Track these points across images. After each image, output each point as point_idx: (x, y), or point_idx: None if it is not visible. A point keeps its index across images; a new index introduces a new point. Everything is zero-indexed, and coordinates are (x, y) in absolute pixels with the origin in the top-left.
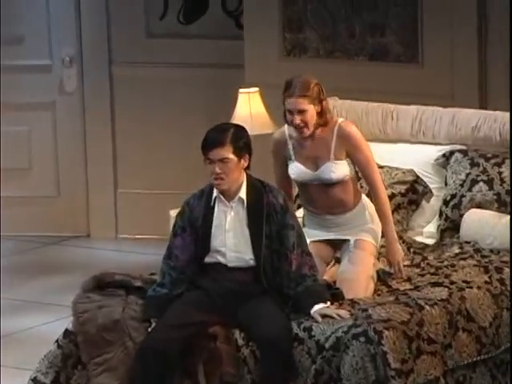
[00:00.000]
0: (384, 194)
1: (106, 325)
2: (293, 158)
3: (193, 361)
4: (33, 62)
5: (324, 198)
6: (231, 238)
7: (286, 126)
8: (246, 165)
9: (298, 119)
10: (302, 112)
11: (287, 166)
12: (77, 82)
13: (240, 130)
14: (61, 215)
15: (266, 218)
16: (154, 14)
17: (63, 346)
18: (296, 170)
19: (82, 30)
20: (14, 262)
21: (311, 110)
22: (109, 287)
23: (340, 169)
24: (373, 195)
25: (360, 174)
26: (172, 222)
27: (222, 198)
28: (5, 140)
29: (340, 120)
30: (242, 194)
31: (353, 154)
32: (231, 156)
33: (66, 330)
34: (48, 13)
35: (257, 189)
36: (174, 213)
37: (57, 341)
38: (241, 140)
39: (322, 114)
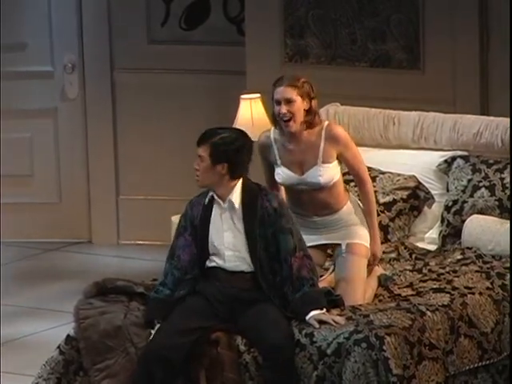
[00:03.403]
0: (370, 188)
1: (108, 331)
2: (278, 162)
3: (195, 367)
4: (35, 69)
5: (311, 202)
6: (229, 238)
7: (272, 129)
8: (223, 172)
9: (284, 108)
10: (289, 102)
11: (274, 168)
12: (79, 89)
13: (230, 138)
14: (62, 221)
15: (260, 220)
16: (156, 20)
17: (65, 352)
18: (282, 174)
19: (83, 36)
20: (16, 268)
21: (299, 103)
22: (111, 293)
23: (328, 172)
24: (359, 189)
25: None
26: (174, 228)
27: (216, 197)
28: (7, 146)
29: (326, 122)
30: (233, 197)
31: (342, 154)
32: (206, 156)
33: (68, 335)
34: (50, 19)
35: (253, 192)
36: (175, 219)
37: (58, 347)
38: (222, 147)
39: (309, 112)
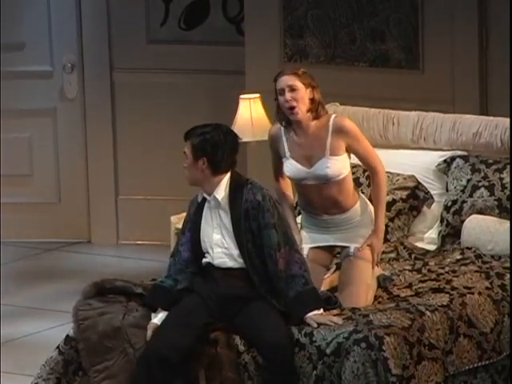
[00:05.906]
0: (382, 179)
1: (107, 332)
2: (287, 155)
3: (194, 366)
4: (34, 68)
5: (320, 199)
6: (217, 234)
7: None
8: (204, 168)
9: (289, 96)
10: (293, 89)
11: (282, 160)
12: (78, 89)
13: (209, 134)
14: (62, 221)
15: (245, 213)
16: (155, 20)
17: (64, 352)
18: (291, 167)
19: (83, 36)
20: (15, 268)
21: (302, 90)
22: (109, 294)
23: (336, 164)
24: (371, 179)
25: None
26: (173, 228)
27: (205, 194)
28: (6, 146)
29: (333, 115)
30: (218, 193)
31: (351, 146)
32: (188, 153)
33: (67, 336)
34: (49, 19)
35: (239, 186)
36: (175, 219)
37: (58, 347)
38: (201, 143)
39: (313, 100)
